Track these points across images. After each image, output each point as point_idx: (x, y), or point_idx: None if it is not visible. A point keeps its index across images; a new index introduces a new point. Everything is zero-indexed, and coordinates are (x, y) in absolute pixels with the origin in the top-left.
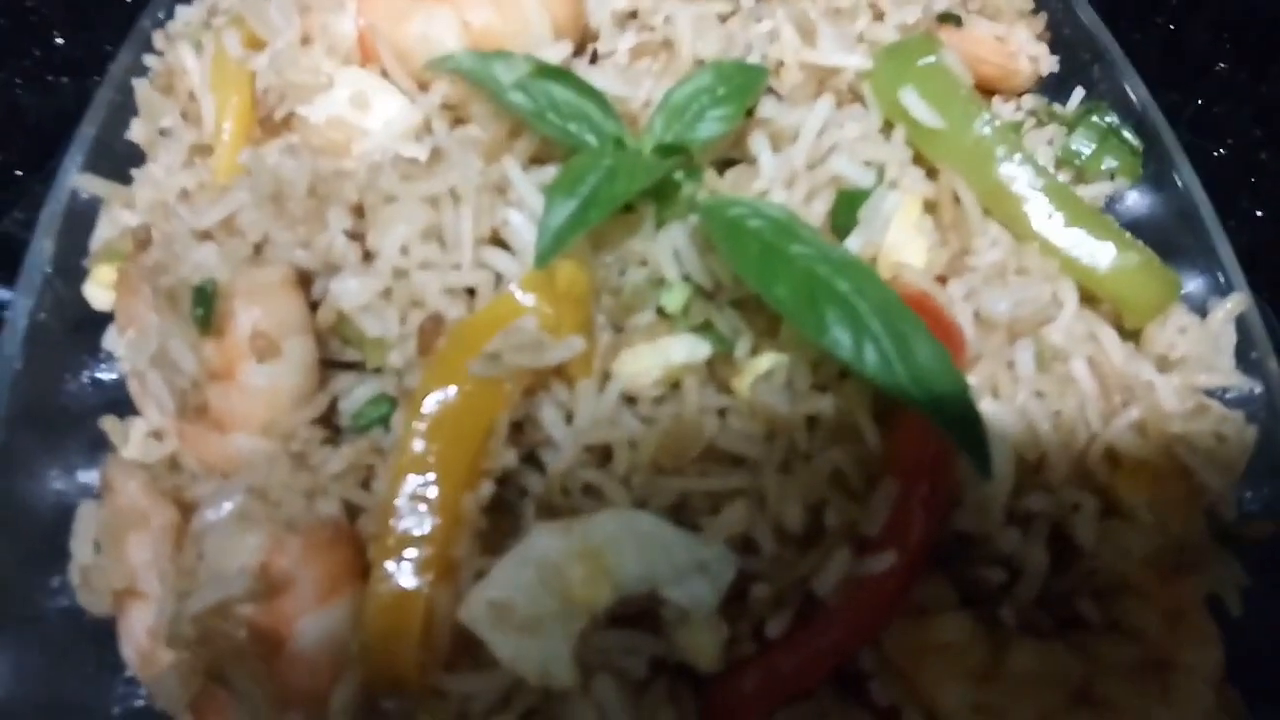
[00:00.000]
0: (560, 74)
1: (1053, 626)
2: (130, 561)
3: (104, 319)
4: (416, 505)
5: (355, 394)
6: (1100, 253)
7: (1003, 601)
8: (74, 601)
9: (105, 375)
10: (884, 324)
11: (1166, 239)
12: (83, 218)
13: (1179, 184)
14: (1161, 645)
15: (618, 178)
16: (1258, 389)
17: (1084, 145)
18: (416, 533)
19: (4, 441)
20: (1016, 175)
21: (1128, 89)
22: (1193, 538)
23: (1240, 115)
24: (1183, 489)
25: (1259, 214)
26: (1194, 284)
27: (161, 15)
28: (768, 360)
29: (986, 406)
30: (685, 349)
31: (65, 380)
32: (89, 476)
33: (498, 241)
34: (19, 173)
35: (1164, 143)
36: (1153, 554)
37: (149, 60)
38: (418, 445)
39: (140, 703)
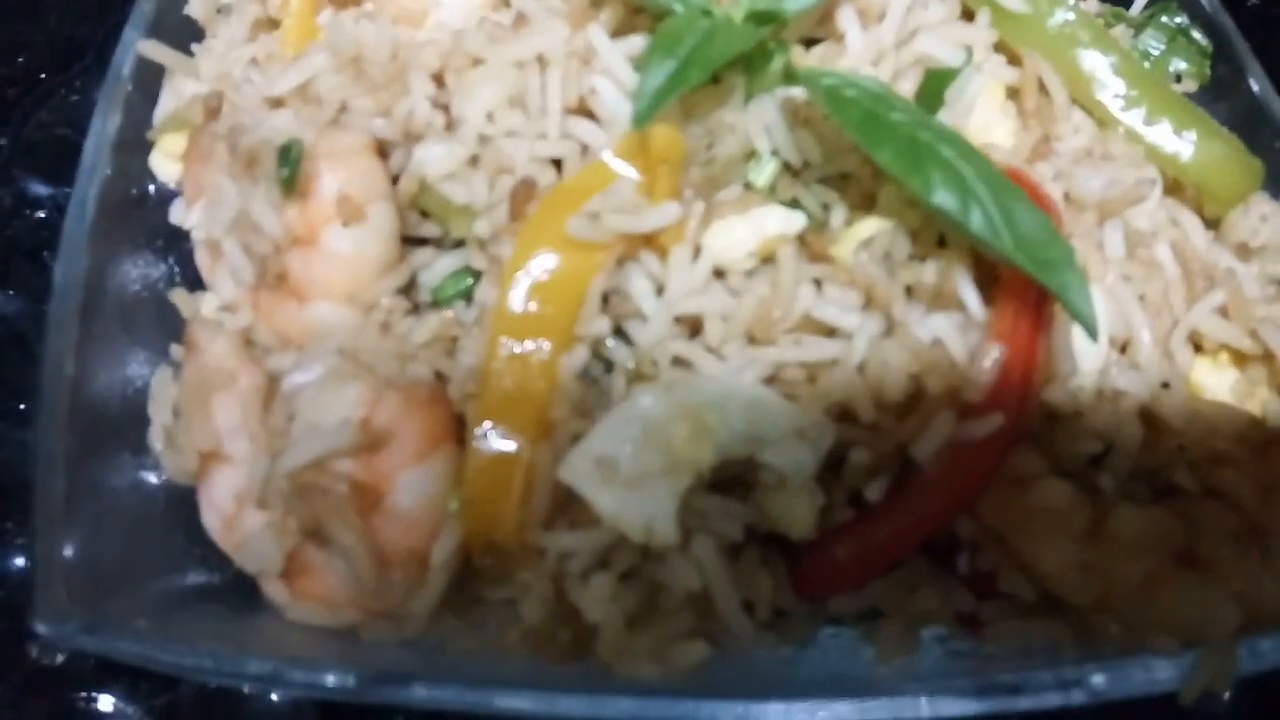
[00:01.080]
0: None
1: (1151, 496)
2: (216, 423)
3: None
4: (517, 366)
5: (436, 267)
6: (1184, 140)
7: (1099, 473)
8: (144, 477)
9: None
10: (989, 189)
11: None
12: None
13: (1252, 87)
14: (1259, 514)
15: (715, 40)
16: None
17: (1152, 45)
18: (516, 393)
19: (77, 326)
20: (1100, 62)
21: None
22: (1271, 416)
23: None
24: (1269, 371)
25: None
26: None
27: None
28: (869, 226)
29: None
30: (780, 220)
31: (133, 260)
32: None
33: (584, 111)
34: (42, 75)
35: (1234, 45)
36: (1242, 430)
37: None
38: (516, 305)
39: (217, 577)
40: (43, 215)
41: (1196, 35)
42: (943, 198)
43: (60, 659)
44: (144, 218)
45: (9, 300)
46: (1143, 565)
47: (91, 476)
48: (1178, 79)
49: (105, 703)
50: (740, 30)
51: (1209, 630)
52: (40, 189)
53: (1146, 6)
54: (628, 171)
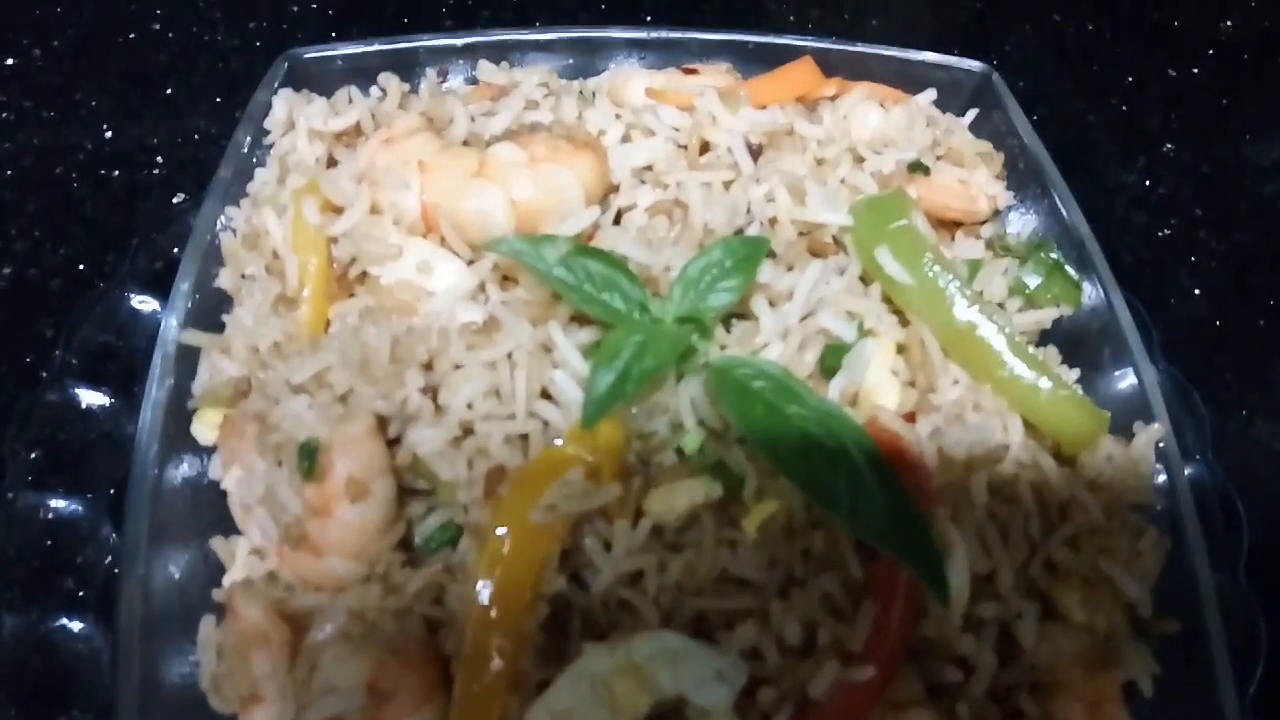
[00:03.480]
0: (593, 252)
1: (999, 718)
2: (253, 672)
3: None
4: (490, 633)
5: (427, 522)
6: (1042, 392)
7: (959, 697)
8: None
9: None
10: (865, 479)
11: (1099, 351)
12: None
13: (1107, 302)
14: None
15: (647, 353)
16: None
17: (1033, 278)
18: (490, 657)
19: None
20: (973, 324)
21: (1068, 219)
22: (1115, 634)
23: (1182, 194)
24: (1108, 594)
25: (1196, 291)
26: (1122, 383)
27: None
28: (769, 506)
29: (948, 532)
30: (702, 490)
31: (184, 496)
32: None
33: (546, 395)
34: (81, 266)
35: (1099, 272)
36: (1082, 651)
37: (230, 212)
38: (485, 597)
39: None
40: (87, 407)
41: (1069, 270)
42: (824, 495)
43: None
44: (191, 464)
45: (65, 499)
46: None
47: (159, 683)
48: (1056, 304)
49: None
50: (670, 336)
51: None
52: (89, 393)
53: (1032, 240)
54: (579, 455)
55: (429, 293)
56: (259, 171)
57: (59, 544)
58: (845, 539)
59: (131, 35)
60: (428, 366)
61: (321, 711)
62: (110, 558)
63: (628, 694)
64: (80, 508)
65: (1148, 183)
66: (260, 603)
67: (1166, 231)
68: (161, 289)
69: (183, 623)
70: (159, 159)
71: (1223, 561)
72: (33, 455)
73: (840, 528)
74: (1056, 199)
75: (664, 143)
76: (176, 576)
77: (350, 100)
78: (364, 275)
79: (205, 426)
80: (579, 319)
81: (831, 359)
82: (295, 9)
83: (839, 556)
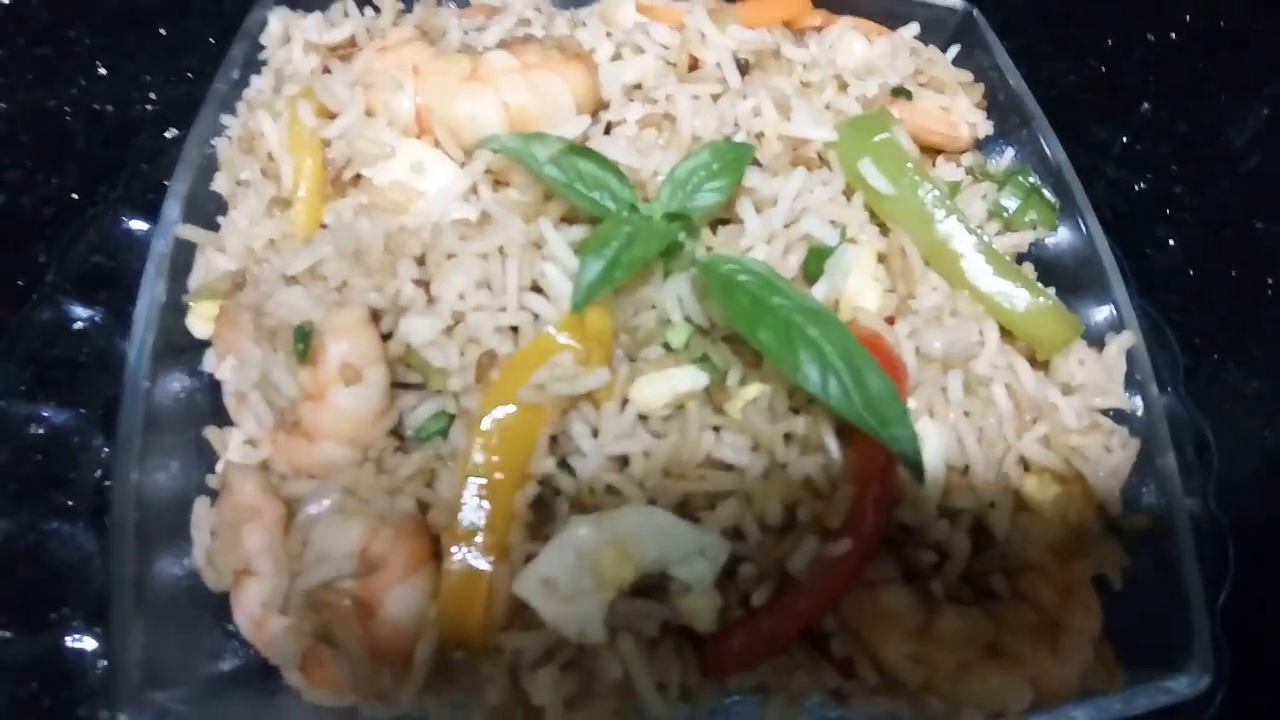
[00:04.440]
0: (585, 151)
1: (972, 597)
2: (246, 547)
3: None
4: (479, 502)
5: (419, 411)
6: (1017, 298)
7: (934, 577)
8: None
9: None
10: (845, 363)
11: (1076, 280)
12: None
13: (1084, 228)
14: (1055, 612)
15: (635, 243)
16: (1140, 409)
17: (1011, 201)
18: (480, 524)
19: (138, 448)
20: (952, 234)
21: (1047, 149)
22: (1086, 528)
23: (1159, 152)
24: (1080, 489)
25: (1171, 242)
26: (1099, 315)
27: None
28: (753, 389)
29: (924, 424)
30: (688, 379)
31: (177, 396)
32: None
33: (536, 289)
34: (75, 196)
35: (1076, 199)
36: (1054, 541)
37: (226, 120)
38: (479, 456)
39: (249, 663)
40: (80, 327)
41: (1046, 194)
42: (807, 372)
43: None
44: (185, 363)
45: (57, 411)
46: (958, 656)
47: (151, 580)
48: (1033, 227)
49: None
50: (658, 229)
51: (1007, 706)
52: (80, 310)
53: (1011, 168)
54: (569, 343)
55: (421, 193)
56: (255, 79)
57: (51, 455)
58: (825, 423)
59: None
60: (420, 262)
61: (314, 578)
62: (101, 470)
63: (612, 565)
64: (72, 420)
65: (1124, 139)
66: (255, 479)
67: (1143, 186)
68: (153, 213)
69: (176, 519)
70: (151, 95)
71: (1193, 488)
72: (25, 370)
73: (820, 413)
74: (1035, 129)
75: (653, 60)
76: (170, 471)
77: (346, 14)
78: (357, 178)
79: (200, 320)
80: (569, 219)
81: (814, 264)
82: None
83: (819, 439)
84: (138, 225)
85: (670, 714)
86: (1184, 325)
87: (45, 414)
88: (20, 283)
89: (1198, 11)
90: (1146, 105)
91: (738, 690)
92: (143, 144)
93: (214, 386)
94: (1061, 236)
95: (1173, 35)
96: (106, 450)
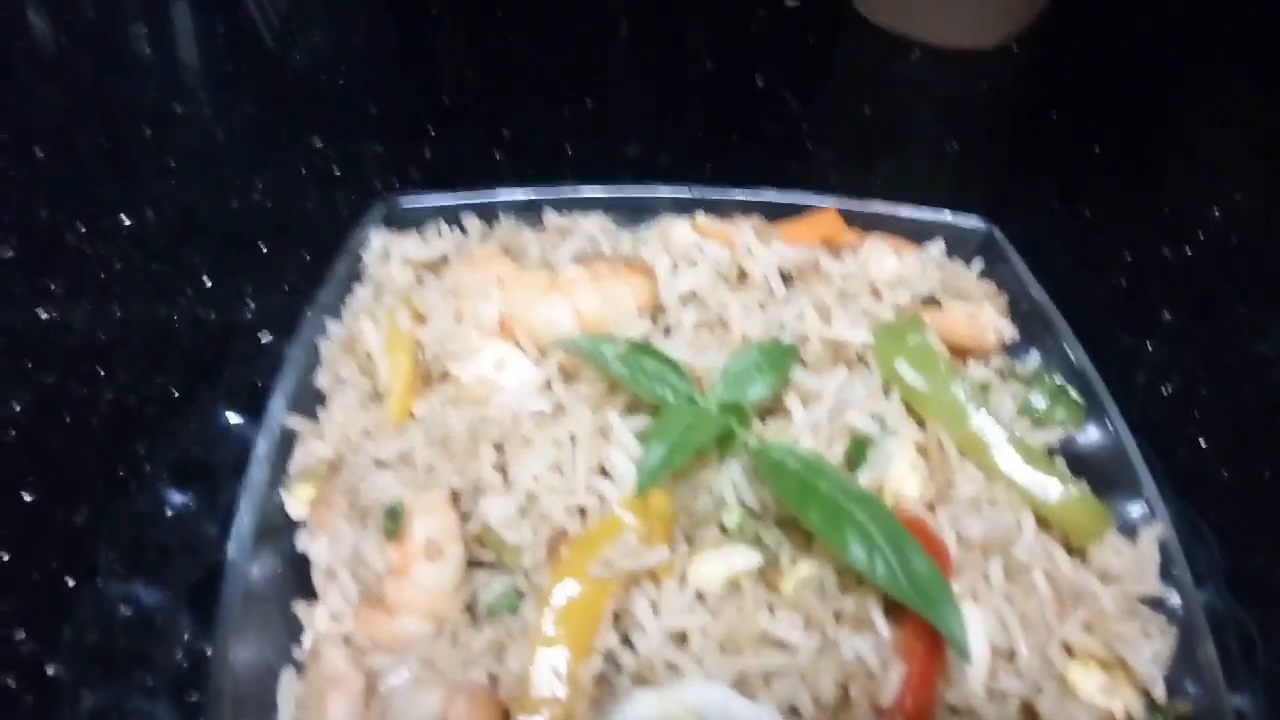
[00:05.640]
0: (647, 349)
1: None
2: (329, 715)
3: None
4: (549, 674)
5: (491, 587)
6: (1050, 488)
7: None
8: None
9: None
10: (890, 544)
11: (1106, 477)
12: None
13: (1111, 428)
14: None
15: (694, 430)
16: (1176, 599)
17: (1039, 400)
18: (549, 694)
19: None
20: (984, 428)
21: (1069, 352)
22: (1132, 713)
23: (1183, 357)
24: (1123, 676)
25: (1202, 443)
26: (1129, 509)
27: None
28: (805, 568)
29: (968, 607)
30: (743, 558)
31: (268, 574)
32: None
33: (603, 472)
34: (175, 393)
35: (1099, 396)
36: None
37: (329, 324)
38: (549, 628)
39: None
40: (170, 520)
41: (1072, 394)
42: (855, 553)
43: None
44: (275, 543)
45: (146, 590)
46: None
47: None
48: (1061, 424)
49: None
50: (713, 418)
51: None
52: (175, 497)
53: (1038, 368)
54: (632, 522)
55: (502, 387)
56: (357, 287)
57: (137, 634)
58: (874, 603)
59: (234, 204)
60: (498, 448)
61: None
62: (182, 649)
63: None
64: (161, 600)
65: (1149, 346)
66: (342, 649)
67: (1169, 390)
68: (247, 409)
69: (260, 690)
70: (250, 304)
71: (1239, 684)
72: (120, 553)
73: (869, 592)
74: (1057, 334)
75: (707, 273)
76: (259, 644)
77: (440, 234)
78: (445, 375)
79: (297, 501)
80: (632, 409)
81: (857, 453)
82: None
83: (868, 618)
84: (233, 419)
85: None
86: (1220, 525)
87: (136, 594)
88: (121, 473)
89: (1210, 230)
90: (1168, 315)
91: None
92: (241, 348)
93: (300, 566)
94: (1090, 435)
95: (1188, 251)
96: (189, 632)
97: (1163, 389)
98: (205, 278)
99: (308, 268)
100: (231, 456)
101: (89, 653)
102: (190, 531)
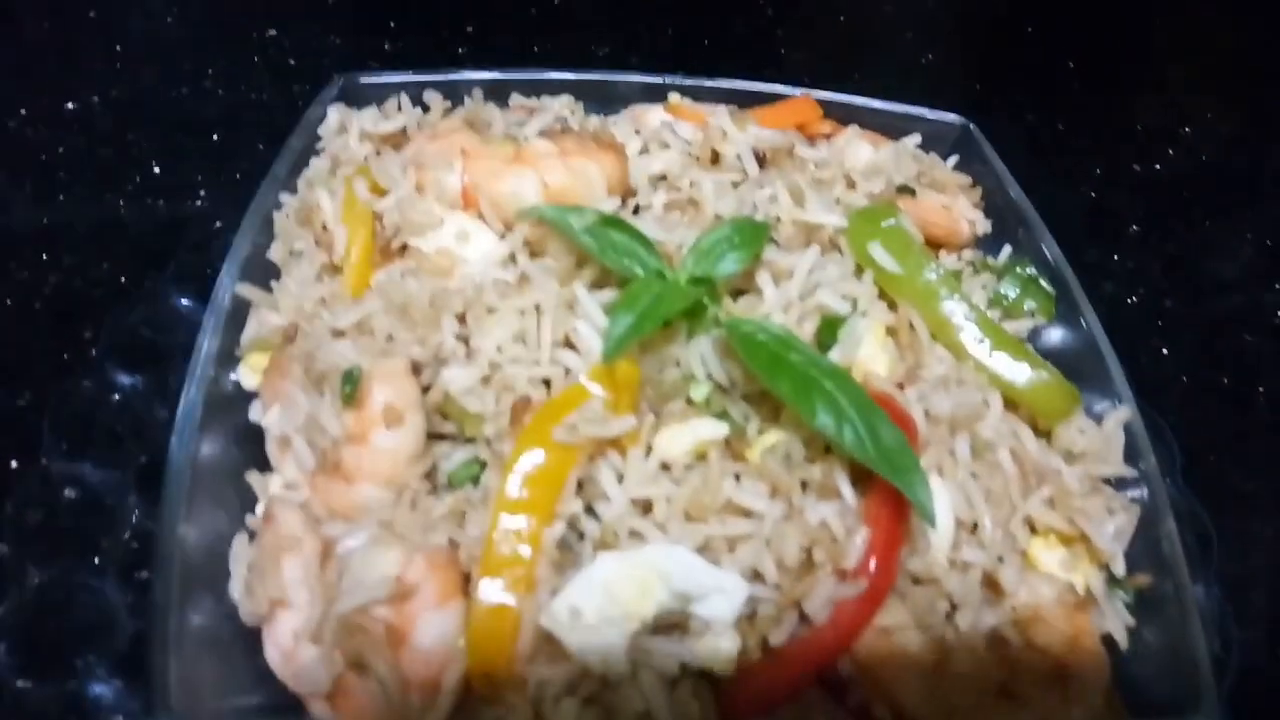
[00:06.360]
0: (616, 222)
1: (984, 644)
2: (284, 578)
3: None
4: (511, 537)
5: (453, 458)
6: (1018, 370)
7: (947, 625)
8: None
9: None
10: (859, 413)
11: (1074, 365)
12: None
13: (1084, 323)
14: (1064, 659)
15: (663, 301)
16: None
17: (1010, 290)
18: (509, 557)
19: (187, 505)
20: (955, 311)
21: (1044, 248)
22: (1091, 586)
23: (1150, 268)
24: (1084, 550)
25: (1164, 351)
26: (1095, 401)
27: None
28: (772, 437)
29: (934, 481)
30: (709, 428)
31: (221, 445)
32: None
33: (568, 344)
34: (123, 279)
35: (1072, 290)
36: (1061, 594)
37: (284, 198)
38: (510, 492)
39: (273, 700)
40: (118, 401)
41: (1043, 284)
42: (823, 420)
43: None
44: (230, 413)
45: (93, 471)
46: (971, 696)
47: (189, 622)
48: (1031, 315)
49: None
50: (683, 292)
51: None
52: (124, 378)
53: (1009, 259)
54: (598, 391)
55: (464, 260)
56: (314, 160)
57: (83, 514)
58: (841, 471)
59: (185, 90)
60: (461, 320)
61: (349, 602)
62: (130, 530)
63: (635, 598)
64: (108, 480)
65: (1116, 257)
66: (296, 512)
67: (1135, 300)
68: (199, 294)
69: (212, 561)
70: (201, 193)
71: (1194, 575)
72: (67, 434)
73: (836, 461)
74: (1030, 228)
75: (678, 154)
76: (210, 514)
77: (400, 108)
78: (404, 248)
79: (251, 371)
80: (599, 285)
81: (828, 333)
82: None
83: (834, 486)
84: (184, 304)
85: None
86: (1180, 428)
87: (82, 474)
88: (66, 356)
89: (1181, 148)
90: (1135, 228)
91: None
92: (192, 236)
93: (255, 439)
94: (1059, 326)
95: (1158, 167)
96: (138, 511)
97: (1128, 299)
98: (154, 165)
99: (261, 157)
100: (182, 340)
101: (32, 531)
102: (139, 414)
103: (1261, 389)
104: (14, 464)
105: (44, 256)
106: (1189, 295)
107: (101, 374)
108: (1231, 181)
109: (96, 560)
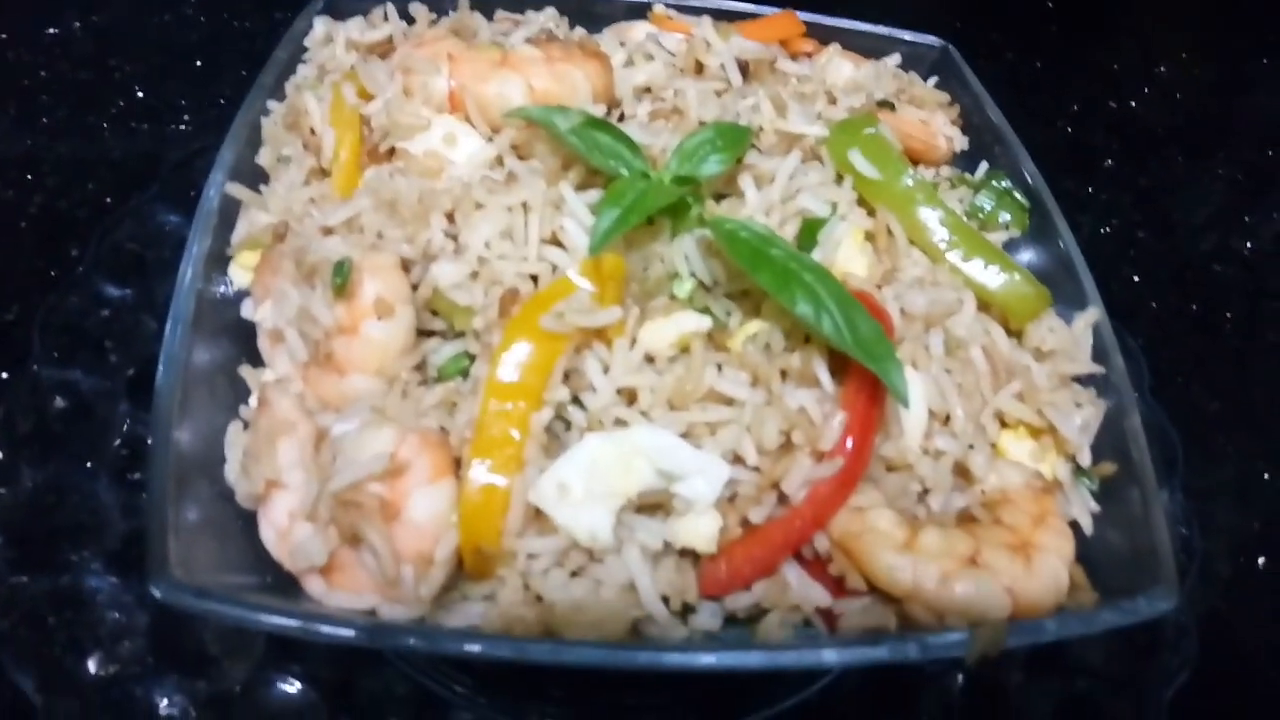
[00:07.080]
0: (602, 124)
1: (954, 522)
2: (278, 460)
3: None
4: (501, 419)
5: (442, 351)
6: (991, 271)
7: (919, 504)
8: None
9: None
10: (837, 304)
11: (1048, 277)
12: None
13: (1059, 240)
14: (1030, 534)
15: (648, 197)
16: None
17: (986, 202)
18: (499, 438)
19: (180, 391)
20: (931, 216)
21: (1020, 165)
22: (1058, 473)
23: (1123, 201)
24: (1052, 442)
25: (1135, 279)
26: (1065, 307)
27: (279, 72)
28: (753, 326)
29: (909, 373)
30: (693, 321)
31: (215, 343)
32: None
33: (555, 241)
34: (108, 199)
35: (1046, 204)
36: (1028, 479)
37: (271, 105)
38: (503, 376)
39: (268, 579)
40: (107, 313)
41: (1018, 196)
42: (802, 308)
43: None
44: (221, 312)
45: (83, 378)
46: (941, 567)
47: (185, 505)
48: (1006, 227)
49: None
50: (667, 189)
51: (986, 613)
52: (113, 291)
53: (985, 173)
54: (585, 285)
55: (452, 161)
56: (300, 68)
57: (75, 419)
58: (819, 360)
59: (166, 17)
60: (449, 217)
61: (344, 479)
62: (120, 437)
63: (620, 475)
64: (98, 386)
65: (1090, 189)
66: (290, 396)
67: (1108, 230)
68: (184, 211)
69: (206, 452)
70: (185, 117)
71: (1160, 482)
72: (57, 342)
73: (815, 350)
74: (1007, 146)
75: (663, 66)
76: (203, 408)
77: (385, 18)
78: (392, 151)
79: (242, 269)
80: (585, 186)
81: (808, 235)
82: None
83: (813, 374)
84: (171, 219)
85: (669, 621)
86: (1149, 350)
87: (73, 382)
88: (53, 273)
89: (1155, 86)
90: (1110, 162)
91: (734, 611)
92: (176, 157)
93: (247, 337)
94: (1034, 240)
95: (1133, 104)
96: (129, 420)
97: (1102, 229)
98: (136, 88)
99: (244, 82)
100: (169, 255)
101: (24, 436)
102: (128, 324)
103: (1229, 314)
104: (4, 375)
105: (28, 177)
106: (1161, 227)
107: (90, 288)
108: (1204, 120)
109: (89, 464)
